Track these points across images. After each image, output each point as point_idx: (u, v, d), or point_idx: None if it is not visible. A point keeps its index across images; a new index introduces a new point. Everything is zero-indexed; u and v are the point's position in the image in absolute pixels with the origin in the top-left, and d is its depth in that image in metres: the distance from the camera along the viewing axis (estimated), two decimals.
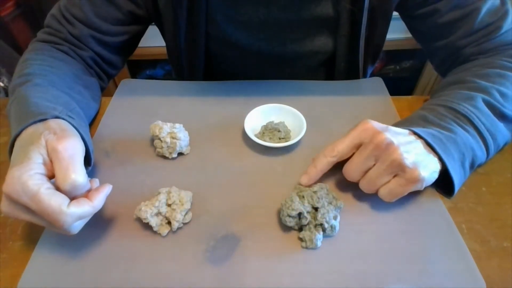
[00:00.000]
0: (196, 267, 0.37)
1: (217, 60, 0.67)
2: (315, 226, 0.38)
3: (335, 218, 0.39)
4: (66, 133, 0.37)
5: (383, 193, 0.39)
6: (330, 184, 0.45)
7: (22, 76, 0.47)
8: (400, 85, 1.42)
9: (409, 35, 0.62)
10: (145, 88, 0.62)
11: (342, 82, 0.63)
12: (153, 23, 0.63)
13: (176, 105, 0.58)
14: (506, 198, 0.44)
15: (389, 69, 1.54)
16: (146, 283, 0.36)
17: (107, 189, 0.36)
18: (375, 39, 0.60)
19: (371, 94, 0.60)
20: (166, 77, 1.57)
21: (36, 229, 0.40)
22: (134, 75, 1.49)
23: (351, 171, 0.40)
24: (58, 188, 0.33)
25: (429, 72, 1.43)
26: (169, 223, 0.40)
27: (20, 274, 0.36)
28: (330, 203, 0.40)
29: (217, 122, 0.55)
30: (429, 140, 0.39)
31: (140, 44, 0.66)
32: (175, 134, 0.47)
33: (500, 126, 0.44)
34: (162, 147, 0.47)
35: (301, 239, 0.39)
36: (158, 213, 0.39)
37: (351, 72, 0.64)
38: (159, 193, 0.40)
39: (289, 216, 0.38)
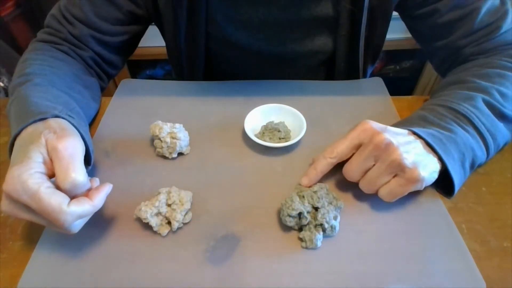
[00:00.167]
0: (196, 267, 0.37)
1: (217, 60, 0.67)
2: (315, 226, 0.38)
3: (335, 218, 0.39)
4: (66, 132, 0.37)
5: (383, 193, 0.39)
6: (330, 184, 0.45)
7: (22, 76, 0.47)
8: (400, 85, 1.42)
9: (409, 35, 0.62)
10: (145, 88, 0.62)
11: (342, 82, 0.63)
12: (153, 23, 0.63)
13: (176, 105, 0.58)
14: (506, 198, 0.44)
15: (389, 69, 1.54)
16: (146, 283, 0.36)
17: (107, 188, 0.37)
18: (375, 39, 0.60)
19: (371, 94, 0.60)
20: (166, 77, 1.57)
21: (36, 229, 0.40)
22: (134, 75, 1.49)
23: (351, 171, 0.40)
24: (58, 187, 0.33)
25: (429, 72, 1.43)
26: (169, 223, 0.40)
27: (20, 274, 0.36)
28: (330, 203, 0.40)
29: (217, 122, 0.55)
30: (429, 140, 0.39)
31: (140, 44, 0.66)
32: (175, 134, 0.47)
33: (500, 126, 0.44)
34: (162, 147, 0.47)
35: (301, 239, 0.39)
36: (158, 213, 0.39)
37: (351, 72, 0.64)
38: (159, 193, 0.40)
39: (289, 216, 0.38)
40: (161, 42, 0.66)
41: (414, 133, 0.41)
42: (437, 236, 0.39)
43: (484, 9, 0.50)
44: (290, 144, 0.48)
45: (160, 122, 0.47)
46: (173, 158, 0.48)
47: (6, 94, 1.09)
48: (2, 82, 1.09)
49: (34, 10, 1.21)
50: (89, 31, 0.55)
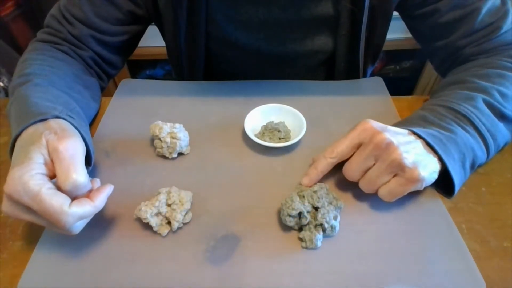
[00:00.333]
0: (196, 267, 0.37)
1: (217, 60, 0.67)
2: (315, 226, 0.38)
3: (335, 218, 0.39)
4: (66, 133, 0.37)
5: (382, 193, 0.39)
6: (330, 184, 0.45)
7: (22, 76, 0.47)
8: (400, 85, 1.42)
9: (409, 35, 0.62)
10: (145, 88, 0.62)
11: (342, 82, 0.63)
12: (153, 23, 0.63)
13: (176, 105, 0.58)
14: (506, 198, 0.44)
15: (389, 69, 1.54)
16: (146, 283, 0.36)
17: (108, 189, 0.37)
18: (375, 39, 0.60)
19: (371, 94, 0.60)
20: (166, 77, 1.57)
21: (36, 229, 0.40)
22: (134, 75, 1.49)
23: (350, 171, 0.40)
24: (59, 188, 0.33)
25: (429, 72, 1.43)
26: (169, 223, 0.40)
27: (20, 274, 0.36)
28: (330, 203, 0.40)
29: (217, 122, 0.55)
30: (429, 140, 0.39)
31: (140, 44, 0.66)
32: (175, 134, 0.47)
33: (500, 126, 0.44)
34: (162, 147, 0.47)
35: (301, 239, 0.39)
36: (158, 213, 0.39)
37: (351, 72, 0.64)
38: (159, 193, 0.40)
39: (289, 215, 0.38)
40: (161, 42, 0.66)
41: (414, 133, 0.41)
42: (437, 236, 0.39)
43: (484, 9, 0.50)
44: (290, 144, 0.48)
45: (160, 122, 0.47)
46: (173, 158, 0.48)
47: (6, 94, 1.09)
48: (2, 82, 1.09)
49: (34, 10, 1.21)
50: (89, 31, 0.55)
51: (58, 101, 0.44)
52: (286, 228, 0.40)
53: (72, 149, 0.35)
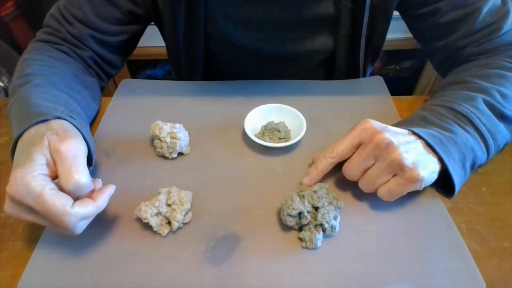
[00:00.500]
0: (196, 267, 0.37)
1: (216, 60, 0.67)
2: (315, 226, 0.38)
3: (335, 218, 0.39)
4: (68, 134, 0.37)
5: (382, 192, 0.39)
6: (330, 184, 0.45)
7: (22, 76, 0.47)
8: (400, 85, 1.42)
9: (409, 35, 0.62)
10: (145, 88, 0.62)
11: (342, 82, 0.63)
12: (153, 23, 0.63)
13: (176, 105, 0.58)
14: (506, 198, 0.44)
15: (389, 69, 1.54)
16: (146, 283, 0.36)
17: (110, 189, 0.37)
18: (375, 39, 0.60)
19: (371, 93, 0.60)
20: (166, 77, 1.57)
21: (36, 229, 0.40)
22: (134, 75, 1.49)
23: (350, 170, 0.40)
24: (61, 189, 0.33)
25: (429, 72, 1.43)
26: (169, 223, 0.40)
27: (20, 274, 0.36)
28: (330, 203, 0.40)
29: (217, 122, 0.55)
30: (429, 140, 0.39)
31: (140, 44, 0.66)
32: (175, 134, 0.47)
33: (500, 126, 0.44)
34: (162, 147, 0.47)
35: (301, 239, 0.39)
36: (158, 213, 0.39)
37: (351, 72, 0.64)
38: (159, 193, 0.40)
39: (289, 215, 0.38)
40: (161, 42, 0.66)
41: (415, 133, 0.41)
42: (437, 236, 0.39)
43: (485, 9, 0.50)
44: (290, 144, 0.48)
45: (160, 122, 0.47)
46: (173, 158, 0.48)
47: (6, 94, 1.09)
48: (2, 82, 1.09)
49: (34, 10, 1.21)
50: (88, 31, 0.55)
51: (59, 101, 0.44)
52: (286, 228, 0.40)
53: (74, 149, 0.35)
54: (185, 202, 0.40)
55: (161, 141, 0.47)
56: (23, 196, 0.31)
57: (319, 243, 0.38)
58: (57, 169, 0.34)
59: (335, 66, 0.63)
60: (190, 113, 0.56)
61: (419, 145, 0.39)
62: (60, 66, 0.52)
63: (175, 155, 0.48)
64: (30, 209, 0.32)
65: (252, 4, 0.56)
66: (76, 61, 0.56)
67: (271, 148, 0.49)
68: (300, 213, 0.38)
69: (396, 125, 0.43)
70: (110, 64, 0.62)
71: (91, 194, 0.36)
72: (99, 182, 0.38)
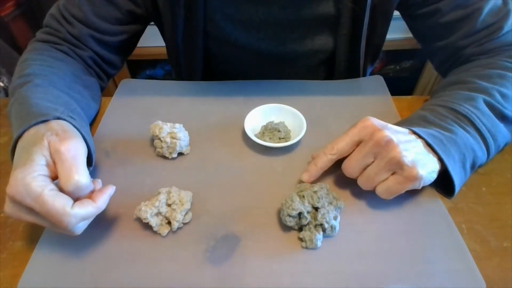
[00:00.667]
0: (196, 267, 0.37)
1: (216, 60, 0.67)
2: (315, 226, 0.38)
3: (335, 218, 0.39)
4: (68, 134, 0.37)
5: (380, 190, 0.39)
6: (330, 184, 0.45)
7: (22, 76, 0.47)
8: (400, 85, 1.42)
9: (409, 35, 0.62)
10: (145, 88, 0.62)
11: (342, 82, 0.63)
12: (153, 23, 0.63)
13: (176, 105, 0.58)
14: (506, 198, 0.44)
15: (389, 69, 1.54)
16: (146, 283, 0.36)
17: (110, 190, 0.37)
18: (375, 39, 0.60)
19: (371, 93, 0.60)
20: (166, 77, 1.57)
21: (36, 229, 0.40)
22: (134, 75, 1.49)
23: (350, 167, 0.40)
24: (61, 190, 0.33)
25: (429, 72, 1.43)
26: (169, 223, 0.40)
27: (20, 274, 0.36)
28: (330, 203, 0.40)
29: (217, 122, 0.55)
30: (429, 140, 0.39)
31: (140, 44, 0.66)
32: (175, 134, 0.47)
33: (501, 126, 0.44)
34: (162, 147, 0.47)
35: (301, 239, 0.39)
36: (158, 213, 0.39)
37: (351, 72, 0.64)
38: (159, 193, 0.40)
39: (289, 215, 0.38)
40: (161, 42, 0.66)
41: (415, 133, 0.41)
42: (437, 236, 0.39)
43: (486, 9, 0.50)
44: (290, 144, 0.48)
45: (160, 122, 0.47)
46: (173, 158, 0.48)
47: (6, 94, 1.09)
48: (2, 82, 1.09)
49: (34, 10, 1.21)
50: (88, 31, 0.55)
51: (58, 101, 0.44)
52: (286, 228, 0.40)
53: (74, 150, 0.35)
54: (185, 202, 0.40)
55: (161, 141, 0.47)
56: (23, 197, 0.31)
57: (319, 243, 0.38)
58: (57, 170, 0.34)
59: (335, 66, 0.63)
60: (190, 113, 0.56)
61: (419, 144, 0.39)
62: (60, 66, 0.52)
63: (175, 155, 0.48)
64: (30, 210, 0.32)
65: (251, 4, 0.56)
66: (76, 61, 0.56)
67: (271, 148, 0.49)
68: (300, 213, 0.38)
69: (396, 124, 0.43)
70: (110, 64, 0.62)
71: (91, 195, 0.36)
72: (99, 183, 0.38)
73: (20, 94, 0.44)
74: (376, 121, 0.40)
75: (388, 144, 0.37)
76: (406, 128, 0.41)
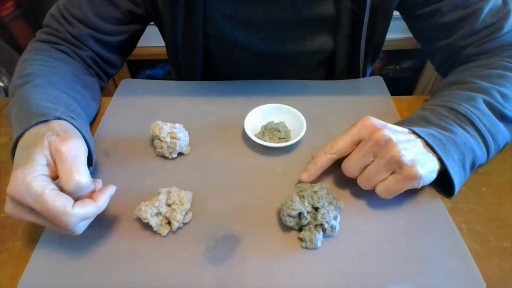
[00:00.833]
0: (196, 267, 0.37)
1: (216, 60, 0.67)
2: (315, 226, 0.38)
3: (335, 218, 0.39)
4: (68, 134, 0.37)
5: (380, 189, 0.39)
6: (330, 184, 0.45)
7: (22, 76, 0.47)
8: (400, 85, 1.43)
9: (409, 35, 0.62)
10: (145, 88, 0.62)
11: (342, 82, 0.63)
12: (153, 23, 0.63)
13: (176, 105, 0.58)
14: (506, 198, 0.44)
15: (389, 69, 1.54)
16: (146, 283, 0.36)
17: (110, 189, 0.37)
18: (375, 39, 0.60)
19: (371, 93, 0.60)
20: (166, 77, 1.57)
21: (36, 229, 0.40)
22: (134, 75, 1.49)
23: (349, 167, 0.40)
24: (62, 189, 0.33)
25: (429, 72, 1.43)
26: (169, 223, 0.40)
27: (20, 274, 0.36)
28: (330, 203, 0.40)
29: (217, 122, 0.55)
30: (429, 140, 0.39)
31: (140, 44, 0.66)
32: (175, 134, 0.47)
33: (501, 126, 0.44)
34: (162, 147, 0.47)
35: (301, 239, 0.39)
36: (158, 213, 0.39)
37: (351, 72, 0.64)
38: (159, 193, 0.40)
39: (289, 216, 0.38)
40: (161, 42, 0.66)
41: (414, 133, 0.41)
42: (437, 236, 0.39)
43: (486, 10, 0.50)
44: (290, 144, 0.48)
45: (160, 122, 0.47)
46: (173, 158, 0.48)
47: (6, 94, 1.09)
48: (2, 82, 1.09)
49: (34, 10, 1.21)
50: (88, 31, 0.55)
51: (59, 101, 0.44)
52: (286, 228, 0.40)
53: (74, 150, 0.35)
54: (185, 202, 0.40)
55: (161, 141, 0.47)
56: (24, 197, 0.31)
57: (319, 243, 0.38)
58: (58, 170, 0.34)
59: (335, 66, 0.63)
60: (190, 113, 0.56)
61: (418, 144, 0.39)
62: (60, 66, 0.52)
63: (175, 155, 0.48)
64: (31, 210, 0.32)
65: (251, 4, 0.56)
66: (76, 61, 0.56)
67: (271, 148, 0.49)
68: (300, 214, 0.38)
69: (396, 124, 0.43)
70: (110, 64, 0.62)
71: (91, 195, 0.36)
72: (99, 183, 0.38)
73: (20, 94, 0.44)
74: (375, 121, 0.40)
75: (387, 143, 0.37)
76: (406, 127, 0.41)
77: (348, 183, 0.43)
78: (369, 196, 0.42)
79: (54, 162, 0.34)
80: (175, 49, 0.63)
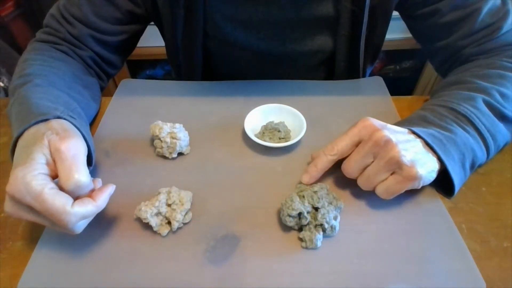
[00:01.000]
0: (196, 267, 0.37)
1: (216, 60, 0.67)
2: (315, 226, 0.38)
3: (335, 218, 0.39)
4: (68, 133, 0.37)
5: (380, 190, 0.39)
6: (330, 184, 0.45)
7: (22, 76, 0.47)
8: (400, 85, 1.43)
9: (409, 35, 0.62)
10: (145, 88, 0.62)
11: (342, 82, 0.63)
12: (153, 23, 0.63)
13: (176, 105, 0.58)
14: (506, 198, 0.44)
15: (389, 69, 1.54)
16: (146, 283, 0.36)
17: (110, 188, 0.37)
18: (374, 39, 0.60)
19: (371, 93, 0.60)
20: (166, 77, 1.57)
21: (36, 229, 0.40)
22: (134, 75, 1.49)
23: (349, 167, 0.40)
24: (61, 188, 0.33)
25: (429, 72, 1.43)
26: (169, 223, 0.40)
27: (20, 274, 0.36)
28: (330, 203, 0.40)
29: (217, 122, 0.55)
30: (429, 140, 0.40)
31: (140, 44, 0.66)
32: (175, 134, 0.47)
33: (500, 126, 0.44)
34: (162, 147, 0.47)
35: (301, 239, 0.39)
36: (158, 213, 0.39)
37: (351, 72, 0.64)
38: (159, 193, 0.40)
39: (289, 216, 0.38)
40: (161, 42, 0.66)
41: (414, 133, 0.41)
42: (437, 236, 0.39)
43: (485, 10, 0.50)
44: (290, 144, 0.48)
45: (160, 122, 0.47)
46: (173, 158, 0.48)
47: (6, 94, 1.09)
48: (2, 82, 1.10)
49: (34, 10, 1.21)
50: (88, 31, 0.55)
51: (59, 101, 0.44)
52: (286, 228, 0.40)
53: (74, 149, 0.35)
54: (185, 202, 0.40)
55: (161, 141, 0.47)
56: (23, 196, 0.31)
57: (319, 243, 0.38)
58: (57, 169, 0.34)
59: (335, 66, 0.63)
60: (190, 113, 0.56)
61: (418, 144, 0.39)
62: (60, 66, 0.52)
63: (175, 155, 0.48)
64: (30, 209, 0.32)
65: (251, 4, 0.56)
66: (76, 61, 0.56)
67: (271, 148, 0.49)
68: (300, 214, 0.38)
69: (396, 124, 0.43)
70: (110, 64, 0.62)
71: (91, 194, 0.36)
72: (99, 182, 0.38)
73: (20, 94, 0.44)
74: (375, 121, 0.40)
75: (387, 144, 0.37)
76: (406, 128, 0.41)
77: (348, 183, 0.43)
78: (369, 196, 0.42)
79: (54, 161, 0.34)
80: (175, 49, 0.63)
